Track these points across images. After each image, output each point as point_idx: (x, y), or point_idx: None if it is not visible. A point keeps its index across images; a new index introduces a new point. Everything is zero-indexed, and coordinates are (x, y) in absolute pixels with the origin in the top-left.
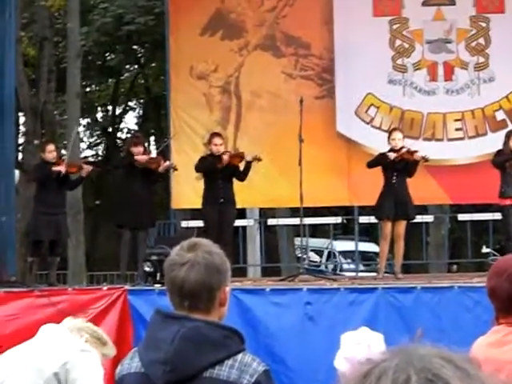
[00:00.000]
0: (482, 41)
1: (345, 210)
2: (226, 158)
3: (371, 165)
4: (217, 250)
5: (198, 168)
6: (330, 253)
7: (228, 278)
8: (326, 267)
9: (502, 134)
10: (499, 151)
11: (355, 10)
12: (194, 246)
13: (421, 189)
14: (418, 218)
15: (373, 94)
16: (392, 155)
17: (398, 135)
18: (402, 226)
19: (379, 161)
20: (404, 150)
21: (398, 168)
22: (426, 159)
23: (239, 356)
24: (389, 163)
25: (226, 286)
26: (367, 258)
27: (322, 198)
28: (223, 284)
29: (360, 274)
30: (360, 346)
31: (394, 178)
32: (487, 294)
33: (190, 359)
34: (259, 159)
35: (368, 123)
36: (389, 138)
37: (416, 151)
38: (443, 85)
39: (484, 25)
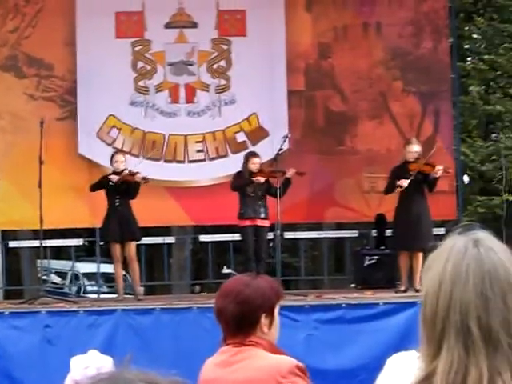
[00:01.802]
0: (223, 63)
1: (88, 232)
2: None
3: (94, 188)
4: None
5: None
6: (73, 275)
7: None
8: (70, 289)
9: (243, 155)
10: (239, 173)
11: (98, 31)
12: None
13: (162, 210)
14: (160, 240)
15: (115, 116)
16: (115, 178)
17: (120, 158)
18: (131, 247)
19: (101, 184)
20: (126, 172)
21: (120, 190)
22: (146, 180)
23: None
24: (110, 186)
25: None
26: (111, 280)
27: (63, 219)
28: None
29: (103, 296)
30: (89, 369)
31: (117, 200)
32: (215, 315)
33: None
34: None
35: (110, 145)
36: (111, 160)
37: (137, 173)
38: (185, 107)
39: (225, 47)
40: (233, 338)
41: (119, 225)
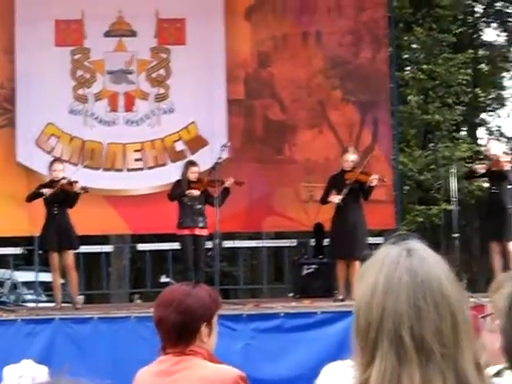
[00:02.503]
0: (162, 72)
1: (27, 240)
2: None
3: (30, 199)
4: None
5: None
6: (12, 283)
7: None
8: (8, 298)
9: (182, 164)
10: (178, 181)
11: (37, 39)
12: None
13: (101, 219)
14: (98, 248)
15: (53, 124)
16: (48, 191)
17: (58, 166)
18: (69, 256)
19: (36, 195)
20: (64, 181)
21: (58, 199)
22: (85, 190)
23: None
24: (48, 196)
25: None
26: (50, 289)
27: (1, 228)
28: None
29: (41, 305)
30: (23, 378)
31: (55, 209)
32: (154, 324)
33: None
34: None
35: (49, 153)
36: (49, 169)
37: (76, 182)
38: (123, 115)
39: (165, 56)
40: (173, 348)
41: (57, 233)
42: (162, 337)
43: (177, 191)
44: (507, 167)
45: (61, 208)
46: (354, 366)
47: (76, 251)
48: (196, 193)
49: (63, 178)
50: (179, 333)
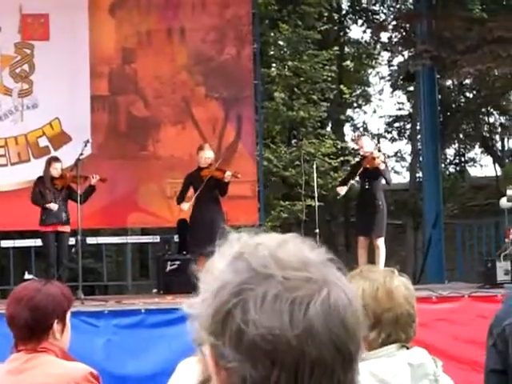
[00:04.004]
0: (26, 67)
1: None
2: None
3: None
4: None
5: None
6: None
7: None
8: None
9: (45, 160)
10: (39, 178)
11: None
12: None
13: None
14: None
15: None
16: None
17: None
18: None
19: None
20: None
21: None
22: None
23: None
24: None
25: None
26: None
27: None
28: None
29: None
30: None
31: None
32: (6, 321)
33: None
34: None
35: None
36: None
37: None
38: None
39: (28, 51)
40: (25, 345)
41: None
42: (14, 334)
43: (38, 199)
44: (382, 165)
45: None
46: (199, 361)
47: None
48: (55, 208)
49: None
50: (30, 330)
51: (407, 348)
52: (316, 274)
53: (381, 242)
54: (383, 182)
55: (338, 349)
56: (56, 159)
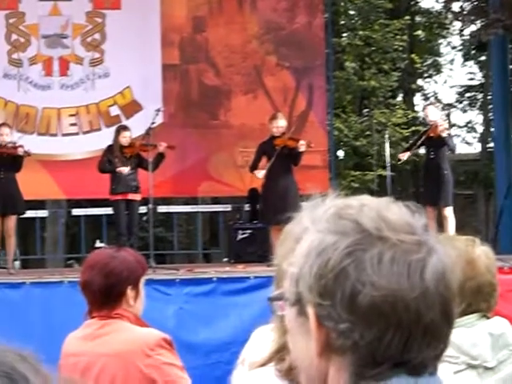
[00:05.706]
0: (97, 36)
1: None
2: None
3: None
4: None
5: None
6: None
7: None
8: None
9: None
10: (109, 146)
11: None
12: None
13: (36, 184)
14: (32, 213)
15: None
16: None
17: (5, 130)
18: (11, 221)
19: None
20: (10, 145)
21: (4, 164)
22: (28, 154)
23: None
24: None
25: None
26: None
27: None
28: None
29: None
30: None
31: (1, 173)
32: (80, 287)
33: None
34: None
35: None
36: None
37: (20, 146)
38: (58, 80)
39: (100, 20)
40: (99, 311)
41: (2, 198)
42: (88, 301)
43: (106, 166)
44: (445, 133)
45: (7, 172)
46: (274, 330)
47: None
48: (126, 171)
49: (9, 143)
50: (104, 296)
51: (487, 318)
52: (423, 237)
53: (449, 212)
54: (449, 152)
55: (445, 312)
56: (125, 128)
